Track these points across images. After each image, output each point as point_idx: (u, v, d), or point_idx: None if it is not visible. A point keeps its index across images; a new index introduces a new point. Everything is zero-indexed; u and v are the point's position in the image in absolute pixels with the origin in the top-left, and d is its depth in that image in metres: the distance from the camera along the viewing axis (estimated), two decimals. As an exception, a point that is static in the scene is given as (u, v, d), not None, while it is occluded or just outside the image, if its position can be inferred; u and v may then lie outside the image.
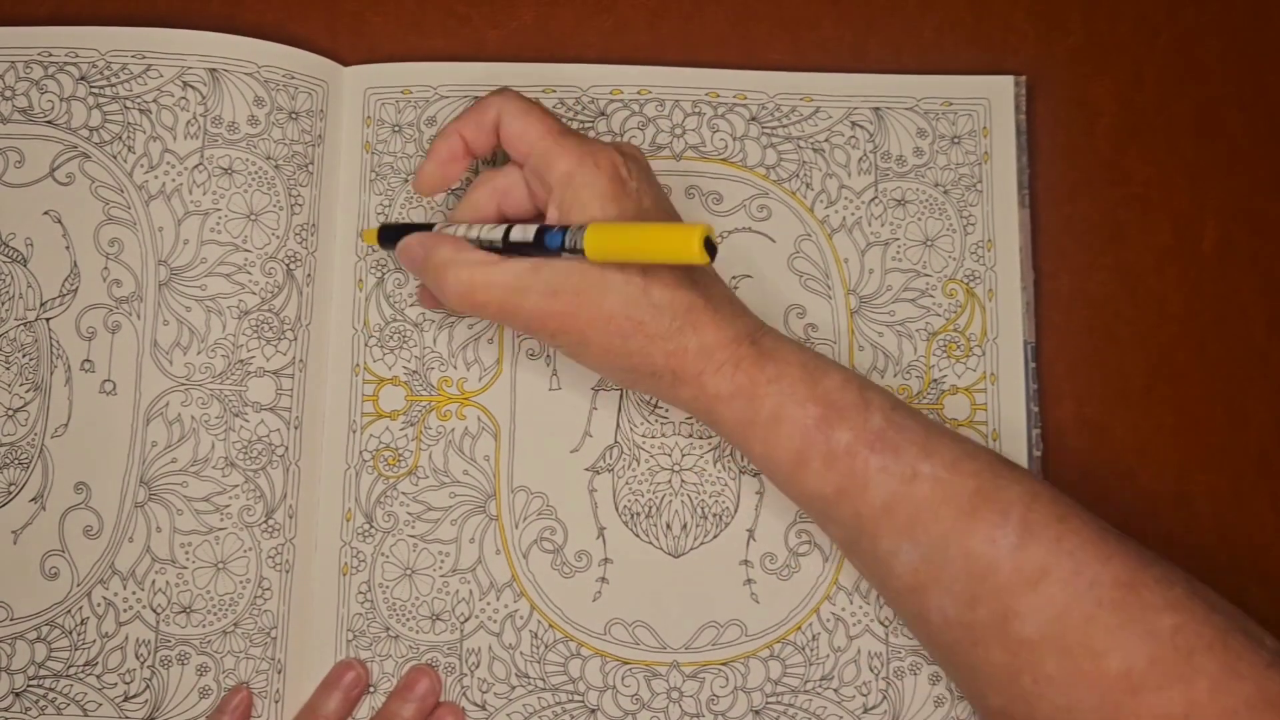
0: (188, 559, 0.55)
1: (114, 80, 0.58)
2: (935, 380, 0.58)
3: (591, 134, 0.59)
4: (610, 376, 0.52)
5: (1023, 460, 0.57)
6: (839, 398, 0.49)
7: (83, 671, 0.55)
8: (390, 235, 0.55)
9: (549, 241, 0.48)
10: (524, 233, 0.50)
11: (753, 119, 0.60)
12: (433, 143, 0.54)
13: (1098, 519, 0.47)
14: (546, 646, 0.56)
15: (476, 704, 0.56)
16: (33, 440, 0.56)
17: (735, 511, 0.57)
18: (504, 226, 0.51)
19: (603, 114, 0.60)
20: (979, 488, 0.47)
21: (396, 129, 0.60)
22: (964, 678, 0.49)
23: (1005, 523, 0.46)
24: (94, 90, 0.58)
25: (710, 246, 0.44)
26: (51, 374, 0.56)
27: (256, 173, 0.57)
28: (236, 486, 0.56)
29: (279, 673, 0.55)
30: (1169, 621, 0.44)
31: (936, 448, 0.48)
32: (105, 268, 0.57)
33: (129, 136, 0.58)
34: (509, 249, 0.50)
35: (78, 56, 0.58)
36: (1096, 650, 0.44)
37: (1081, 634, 0.44)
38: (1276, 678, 0.43)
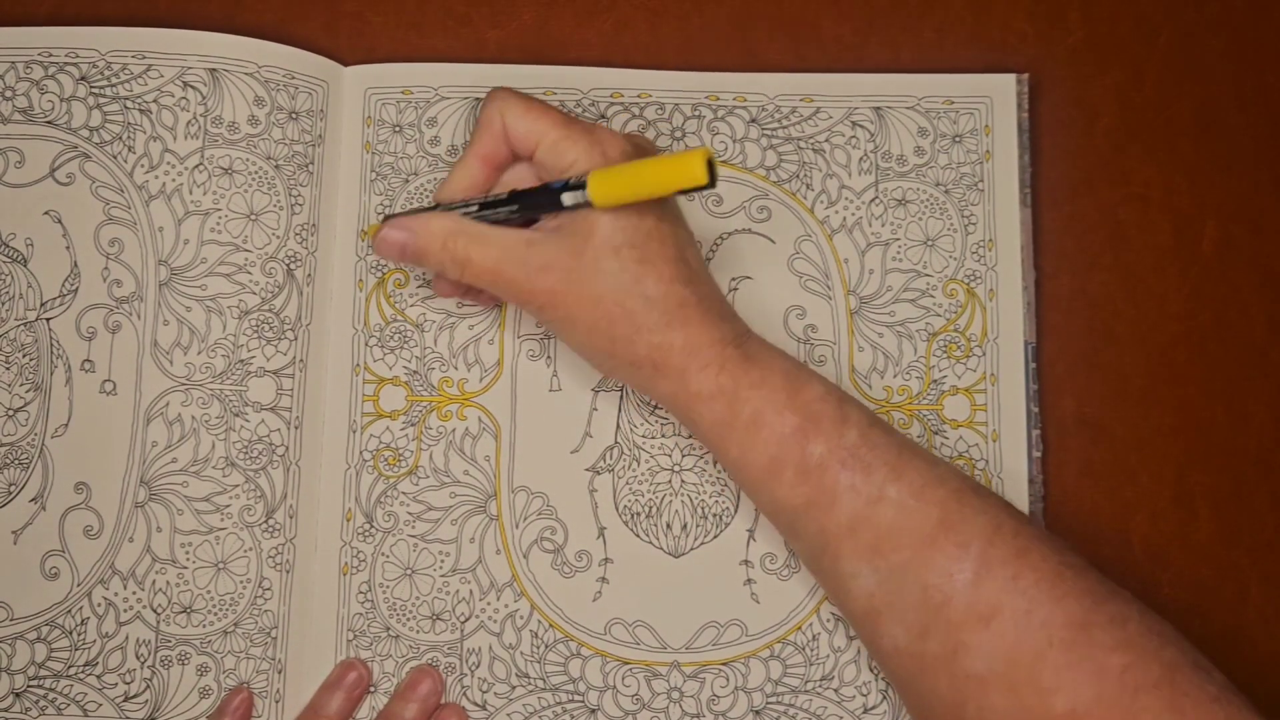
0: (188, 559, 0.55)
1: (114, 80, 0.58)
2: (935, 381, 0.58)
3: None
4: (590, 359, 0.52)
5: (1023, 461, 0.57)
6: (818, 409, 0.49)
7: (83, 671, 0.55)
8: None
9: (553, 186, 0.49)
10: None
11: (753, 121, 0.60)
12: (452, 174, 0.53)
13: (1060, 551, 0.47)
14: (547, 646, 0.56)
15: (477, 704, 0.56)
16: (33, 440, 0.56)
17: (735, 511, 0.57)
18: (506, 192, 0.51)
19: (603, 117, 0.59)
20: (943, 517, 0.47)
21: (397, 129, 0.60)
22: (911, 703, 0.49)
23: (964, 556, 0.46)
24: (94, 90, 0.58)
25: (711, 170, 0.44)
26: (51, 374, 0.56)
27: (257, 173, 0.57)
28: (237, 486, 0.56)
29: (279, 673, 0.55)
30: (1118, 661, 0.44)
31: (907, 470, 0.48)
32: (105, 268, 0.57)
33: (129, 136, 0.58)
34: (512, 205, 0.51)
35: (78, 56, 0.58)
36: (1044, 689, 0.44)
37: (1029, 672, 0.44)
38: (1220, 712, 0.43)
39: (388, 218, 0.55)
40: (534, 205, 0.50)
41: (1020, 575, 0.46)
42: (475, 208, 0.52)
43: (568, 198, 0.49)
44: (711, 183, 0.45)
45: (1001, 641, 0.45)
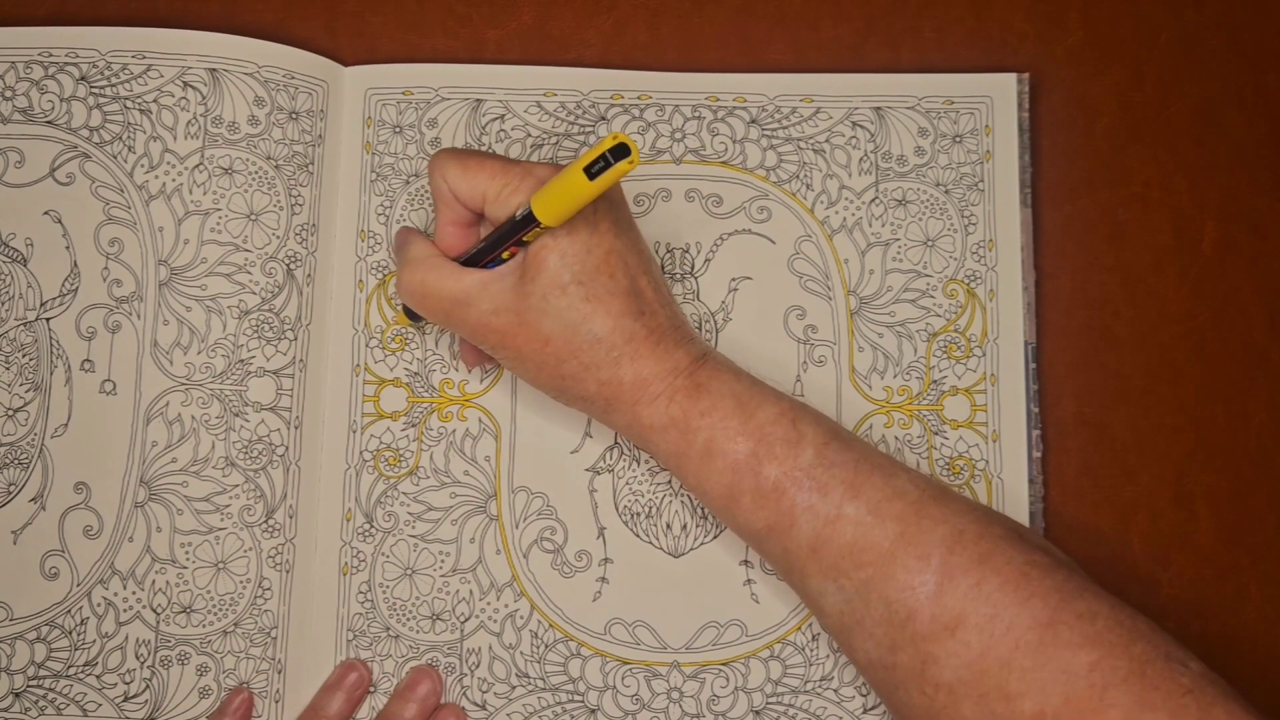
0: (188, 559, 0.55)
1: (114, 80, 0.58)
2: (935, 381, 0.58)
3: (593, 138, 0.59)
4: (545, 393, 0.53)
5: (1023, 461, 0.57)
6: (770, 432, 0.49)
7: (83, 672, 0.55)
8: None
9: (509, 224, 0.49)
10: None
11: (753, 121, 0.60)
12: (435, 240, 0.53)
13: (1028, 550, 0.47)
14: (547, 646, 0.56)
15: (477, 704, 0.56)
16: (33, 440, 0.56)
17: (735, 512, 0.57)
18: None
19: (603, 118, 0.59)
20: (901, 531, 0.47)
21: (397, 130, 0.60)
22: (892, 713, 0.50)
23: (925, 568, 0.46)
24: (94, 90, 0.58)
25: (624, 149, 0.45)
26: (51, 374, 0.56)
27: (257, 173, 0.57)
28: (237, 486, 0.56)
29: (279, 673, 0.55)
30: (1086, 659, 0.44)
31: (864, 487, 0.48)
32: (105, 268, 0.57)
33: (129, 136, 0.58)
34: (485, 250, 0.51)
35: (78, 56, 0.58)
36: (1011, 694, 0.44)
37: (997, 679, 0.45)
38: (1193, 704, 0.43)
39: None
40: (499, 244, 0.50)
41: (983, 581, 0.46)
42: (474, 253, 0.52)
43: (519, 221, 0.49)
44: (627, 154, 0.45)
45: (968, 651, 0.45)
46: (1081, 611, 0.45)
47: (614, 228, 0.50)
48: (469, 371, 0.58)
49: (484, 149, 0.58)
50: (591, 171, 0.45)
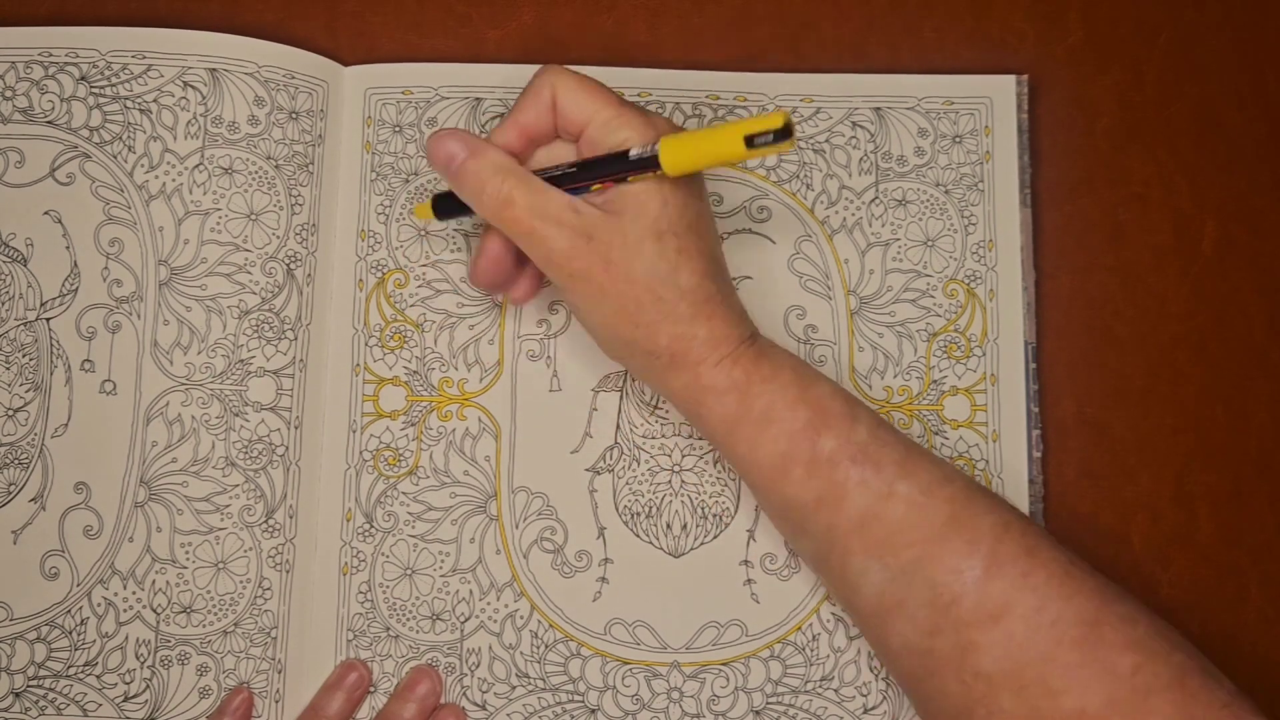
0: (188, 559, 0.55)
1: (114, 80, 0.58)
2: (935, 381, 0.58)
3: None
4: (607, 341, 0.51)
5: (1023, 461, 0.57)
6: (828, 405, 0.49)
7: (83, 672, 0.55)
8: (450, 206, 0.54)
9: (618, 157, 0.48)
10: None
11: (753, 120, 0.60)
12: (492, 135, 0.52)
13: (1067, 552, 0.47)
14: (547, 646, 0.56)
15: (476, 704, 0.56)
16: (33, 440, 0.56)
17: (735, 511, 0.57)
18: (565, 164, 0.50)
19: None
20: (952, 514, 0.47)
21: (397, 129, 0.60)
22: (919, 704, 0.49)
23: (974, 553, 0.46)
24: (94, 90, 0.58)
25: (788, 125, 0.45)
26: (51, 374, 0.56)
27: (257, 173, 0.57)
28: (237, 486, 0.56)
29: (279, 673, 0.55)
30: (1129, 661, 0.44)
31: (915, 468, 0.48)
32: (105, 268, 0.57)
33: (129, 136, 0.58)
34: (574, 171, 0.50)
35: (78, 56, 0.58)
36: (1053, 689, 0.44)
37: (1039, 672, 0.44)
38: (1230, 719, 0.43)
39: (439, 196, 0.55)
40: (598, 174, 0.49)
41: (1030, 572, 0.46)
42: (562, 174, 0.50)
43: (634, 160, 0.48)
44: (789, 134, 0.45)
45: (1011, 640, 0.45)
46: (1124, 615, 0.45)
47: (703, 192, 0.50)
48: (477, 286, 0.56)
49: None
50: (752, 141, 0.45)
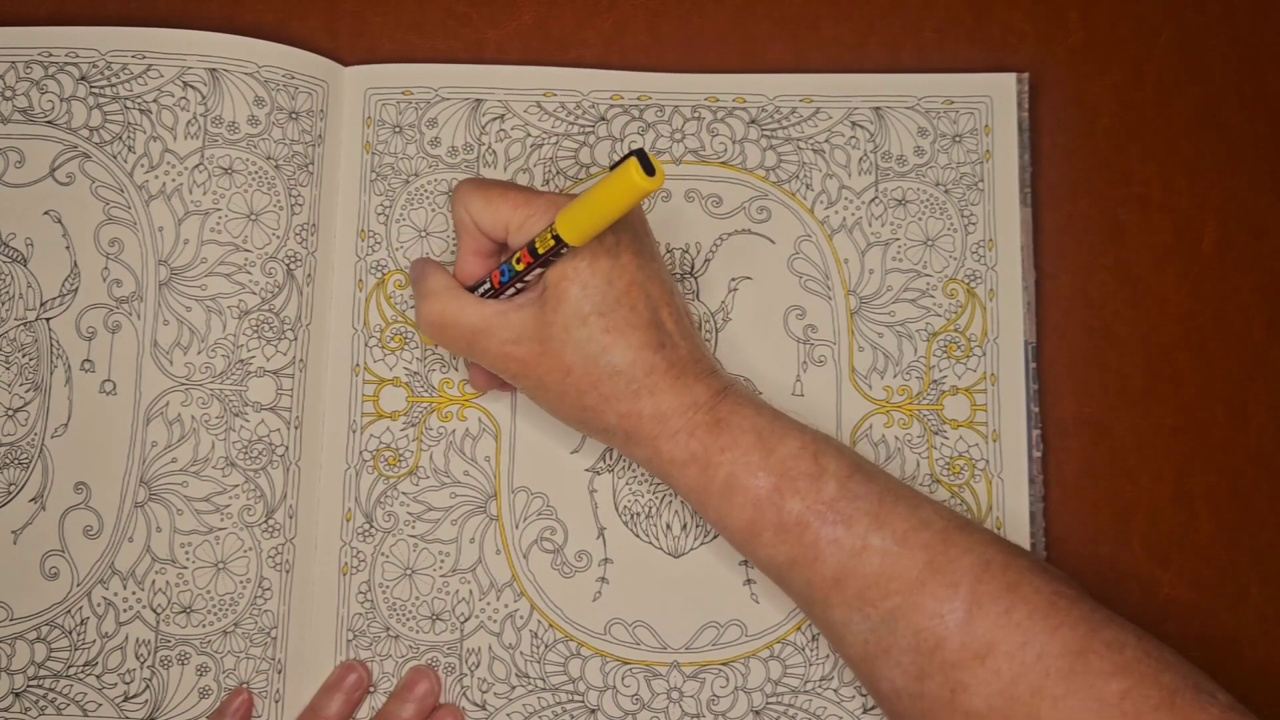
0: (188, 559, 0.55)
1: (114, 80, 0.58)
2: (935, 381, 0.58)
3: (593, 138, 0.59)
4: (566, 423, 0.53)
5: (1023, 461, 0.57)
6: (792, 466, 0.49)
7: (83, 671, 0.55)
8: None
9: (530, 248, 0.49)
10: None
11: (752, 121, 0.60)
12: (455, 271, 0.54)
13: (1054, 580, 0.47)
14: (546, 646, 0.56)
15: (476, 704, 0.56)
16: (33, 440, 0.56)
17: (735, 512, 0.57)
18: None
19: (603, 119, 0.60)
20: (929, 560, 0.47)
21: (397, 130, 0.60)
22: None
23: (954, 596, 0.46)
24: (94, 90, 0.58)
25: (647, 165, 0.45)
26: (51, 374, 0.56)
27: (257, 173, 0.57)
28: (236, 486, 0.56)
29: (279, 673, 0.55)
30: (1117, 687, 0.44)
31: (889, 518, 0.48)
32: (105, 268, 0.57)
33: (129, 136, 0.58)
34: (504, 280, 0.51)
35: (78, 56, 0.58)
36: None
37: (1029, 707, 0.44)
38: None
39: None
40: (519, 275, 0.51)
41: (1013, 609, 0.46)
42: (486, 286, 0.53)
43: (536, 249, 0.49)
44: (651, 172, 0.44)
45: (999, 678, 0.45)
46: (1110, 640, 0.45)
47: (636, 258, 0.50)
48: (481, 394, 0.58)
49: (507, 180, 0.58)
50: (642, 169, 0.45)
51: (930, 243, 0.59)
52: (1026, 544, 0.56)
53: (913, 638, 0.46)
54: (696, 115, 0.60)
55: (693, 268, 0.59)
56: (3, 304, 0.57)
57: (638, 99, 0.60)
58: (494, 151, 0.59)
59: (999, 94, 0.60)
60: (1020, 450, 0.57)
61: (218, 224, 0.57)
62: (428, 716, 0.55)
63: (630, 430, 0.50)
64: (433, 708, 0.55)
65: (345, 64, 0.60)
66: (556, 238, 0.48)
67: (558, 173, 0.59)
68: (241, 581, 0.55)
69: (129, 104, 0.58)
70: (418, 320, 0.53)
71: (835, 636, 0.49)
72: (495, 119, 0.59)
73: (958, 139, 0.60)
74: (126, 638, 0.55)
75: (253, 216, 0.57)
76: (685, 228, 0.59)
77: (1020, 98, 0.60)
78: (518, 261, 0.50)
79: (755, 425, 0.50)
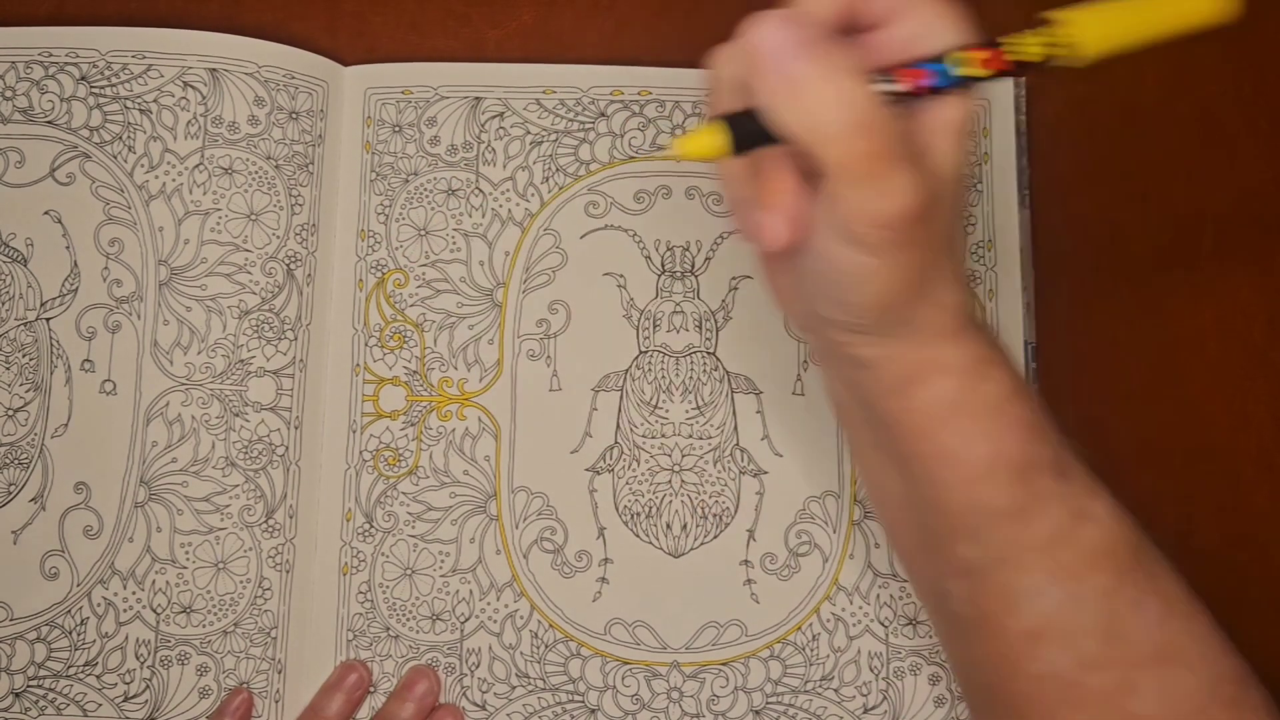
0: (188, 559, 0.55)
1: (114, 80, 0.58)
2: (935, 380, 0.58)
3: (592, 134, 0.59)
4: (858, 295, 0.39)
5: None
6: (1037, 405, 0.43)
7: (83, 672, 0.55)
8: (754, 132, 0.37)
9: (993, 47, 0.37)
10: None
11: (753, 119, 0.60)
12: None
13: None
14: (546, 646, 0.56)
15: (476, 704, 0.56)
16: (33, 440, 0.56)
17: (735, 511, 0.57)
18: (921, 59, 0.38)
19: (603, 115, 0.60)
20: (1139, 544, 0.43)
21: (397, 129, 0.60)
22: None
23: (1155, 589, 0.43)
24: (94, 90, 0.58)
25: None
26: (51, 374, 0.57)
27: (257, 173, 0.57)
28: (237, 486, 0.56)
29: (279, 673, 0.55)
30: None
31: (1100, 489, 0.43)
32: (105, 268, 0.57)
33: (129, 136, 0.58)
34: (937, 85, 0.37)
35: (78, 56, 0.58)
36: None
37: None
38: None
39: (736, 118, 0.38)
40: (960, 83, 0.37)
41: (1194, 618, 0.43)
42: (888, 82, 0.37)
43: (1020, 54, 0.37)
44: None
45: (1175, 688, 0.42)
46: (1254, 677, 0.44)
47: None
48: (770, 244, 0.40)
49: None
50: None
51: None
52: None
53: (1106, 622, 0.42)
54: (698, 111, 0.60)
55: (693, 266, 0.59)
56: (3, 304, 0.57)
57: (638, 94, 0.60)
58: (493, 149, 0.59)
59: (996, 98, 0.60)
60: (1020, 450, 0.57)
61: (218, 224, 0.57)
62: (427, 716, 0.55)
63: (928, 313, 0.40)
64: (432, 707, 0.55)
65: (345, 64, 0.60)
66: (1054, 46, 0.37)
67: (557, 170, 0.59)
68: (241, 581, 0.55)
69: (129, 104, 0.58)
70: (808, 115, 0.35)
71: (1005, 602, 0.43)
72: (495, 117, 0.59)
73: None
74: (126, 638, 0.55)
75: (253, 216, 0.57)
76: (686, 226, 0.59)
77: (1017, 101, 0.60)
78: (963, 66, 0.37)
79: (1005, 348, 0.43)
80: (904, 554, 0.49)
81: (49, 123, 0.58)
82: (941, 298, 0.40)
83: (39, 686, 0.55)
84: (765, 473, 0.57)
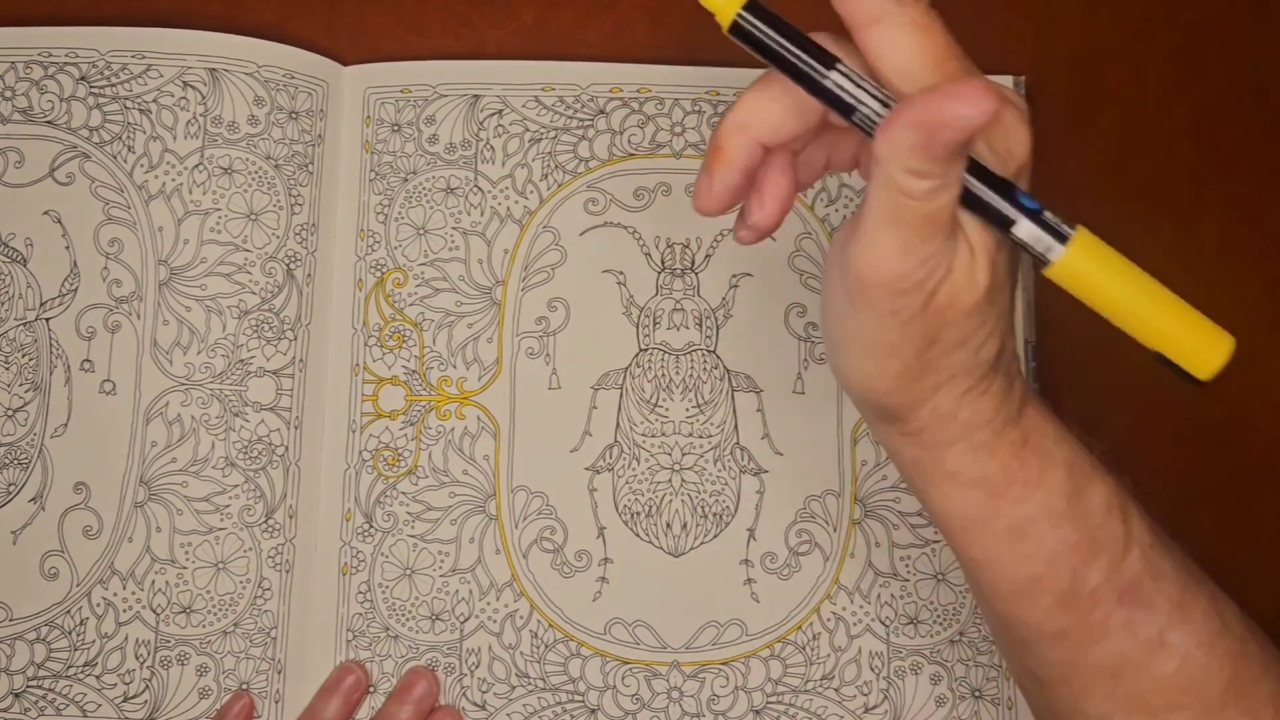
0: (188, 559, 0.55)
1: (114, 80, 0.58)
2: (935, 379, 0.58)
3: (591, 131, 0.59)
4: (877, 374, 0.38)
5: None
6: (1101, 524, 0.39)
7: (82, 672, 0.55)
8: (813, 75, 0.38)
9: (1023, 201, 0.37)
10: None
11: (752, 117, 0.60)
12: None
13: None
14: (546, 646, 0.56)
15: (476, 704, 0.56)
16: (32, 440, 0.56)
17: (735, 511, 0.57)
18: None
19: (602, 112, 0.60)
20: (1234, 678, 0.39)
21: (396, 128, 0.60)
22: None
23: None
24: (94, 90, 0.58)
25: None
26: (51, 374, 0.57)
27: (256, 172, 0.57)
28: (236, 486, 0.56)
29: (279, 673, 0.55)
30: None
31: (1192, 612, 0.39)
32: (105, 268, 0.57)
33: (129, 136, 0.58)
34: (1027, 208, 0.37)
35: (78, 56, 0.58)
36: None
37: None
38: None
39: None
40: (981, 204, 0.37)
41: None
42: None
43: (1029, 233, 0.37)
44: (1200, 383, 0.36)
45: None
46: None
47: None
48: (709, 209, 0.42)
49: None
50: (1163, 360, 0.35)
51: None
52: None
53: None
54: (697, 108, 0.60)
55: (693, 263, 0.59)
56: (2, 304, 0.57)
57: (638, 91, 0.60)
58: (492, 147, 0.59)
59: (998, 95, 0.60)
60: (1021, 449, 0.57)
61: (218, 224, 0.57)
62: (426, 718, 0.55)
63: (926, 422, 0.38)
64: (431, 708, 0.55)
65: (345, 63, 0.60)
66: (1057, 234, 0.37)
67: (556, 167, 0.59)
68: (241, 582, 0.55)
69: (129, 104, 0.58)
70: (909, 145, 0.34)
71: (1074, 714, 0.41)
72: (493, 114, 0.59)
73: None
74: (126, 638, 0.55)
75: (252, 216, 0.57)
76: (686, 223, 0.59)
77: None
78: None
79: (1065, 457, 0.40)
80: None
81: (49, 123, 0.58)
82: (951, 408, 0.38)
83: (38, 687, 0.55)
84: (766, 471, 0.57)
